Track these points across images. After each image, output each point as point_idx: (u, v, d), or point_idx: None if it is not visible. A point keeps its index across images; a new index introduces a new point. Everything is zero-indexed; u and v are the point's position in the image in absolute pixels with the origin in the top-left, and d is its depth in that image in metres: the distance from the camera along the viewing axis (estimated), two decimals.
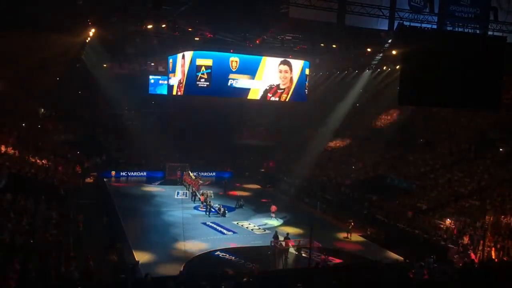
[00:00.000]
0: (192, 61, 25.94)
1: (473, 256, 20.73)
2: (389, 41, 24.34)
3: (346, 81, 39.99)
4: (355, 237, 25.87)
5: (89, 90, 45.35)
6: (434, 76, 15.50)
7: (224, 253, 22.04)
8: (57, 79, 41.28)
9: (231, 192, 36.09)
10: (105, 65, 41.25)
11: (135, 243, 22.54)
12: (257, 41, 25.46)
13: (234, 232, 25.78)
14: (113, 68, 41.57)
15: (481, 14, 18.54)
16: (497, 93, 16.74)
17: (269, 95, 27.88)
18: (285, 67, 27.74)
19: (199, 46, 26.12)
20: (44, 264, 15.68)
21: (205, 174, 41.56)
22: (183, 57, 26.88)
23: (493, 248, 20.52)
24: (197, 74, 25.78)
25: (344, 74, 39.75)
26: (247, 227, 26.91)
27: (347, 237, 25.76)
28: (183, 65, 26.93)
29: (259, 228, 26.75)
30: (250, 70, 26.72)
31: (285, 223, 28.29)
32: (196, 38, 26.03)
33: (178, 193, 35.58)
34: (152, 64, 40.73)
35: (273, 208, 29.37)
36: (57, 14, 21.40)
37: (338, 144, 42.92)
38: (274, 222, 28.46)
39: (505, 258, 20.06)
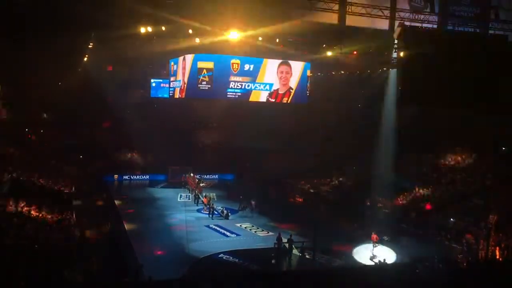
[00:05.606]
0: (193, 64, 25.94)
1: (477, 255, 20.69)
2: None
3: (348, 82, 39.73)
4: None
5: (91, 94, 45.31)
6: (436, 76, 15.47)
7: (228, 255, 21.99)
8: (59, 84, 41.37)
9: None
10: (106, 69, 41.21)
11: (138, 246, 22.53)
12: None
13: (237, 235, 25.72)
14: (115, 71, 41.58)
15: (482, 13, 18.54)
16: (499, 92, 16.69)
17: (271, 97, 27.87)
18: (286, 69, 27.72)
19: (200, 49, 26.07)
20: (48, 268, 15.69)
21: (208, 176, 41.51)
22: (184, 60, 26.86)
23: (497, 247, 20.44)
24: (198, 77, 25.79)
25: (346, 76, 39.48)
26: (250, 229, 26.85)
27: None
28: (184, 68, 26.92)
29: (263, 230, 26.68)
30: (251, 72, 26.72)
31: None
32: (197, 40, 25.94)
33: (181, 196, 35.56)
34: (153, 67, 40.68)
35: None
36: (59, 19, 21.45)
37: None
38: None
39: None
